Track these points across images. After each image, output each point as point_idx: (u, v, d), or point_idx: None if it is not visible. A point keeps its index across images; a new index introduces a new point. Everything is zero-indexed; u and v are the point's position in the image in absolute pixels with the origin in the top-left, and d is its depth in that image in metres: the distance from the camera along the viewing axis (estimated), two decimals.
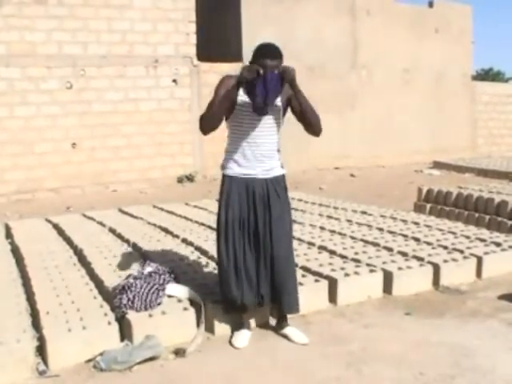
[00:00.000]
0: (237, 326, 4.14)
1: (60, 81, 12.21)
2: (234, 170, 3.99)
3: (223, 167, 4.07)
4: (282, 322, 4.19)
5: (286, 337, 4.11)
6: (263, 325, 4.31)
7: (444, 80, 18.23)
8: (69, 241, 6.55)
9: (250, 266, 3.96)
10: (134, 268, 4.99)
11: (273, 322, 4.30)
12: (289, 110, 4.07)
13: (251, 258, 3.97)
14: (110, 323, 3.93)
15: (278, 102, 3.94)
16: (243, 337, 4.06)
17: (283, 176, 4.11)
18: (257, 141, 3.96)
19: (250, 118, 3.91)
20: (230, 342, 4.04)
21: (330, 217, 7.35)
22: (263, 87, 3.73)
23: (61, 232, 7.07)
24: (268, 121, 3.96)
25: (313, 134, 4.10)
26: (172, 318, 4.05)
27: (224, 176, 4.05)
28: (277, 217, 3.96)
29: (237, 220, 3.94)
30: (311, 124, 4.00)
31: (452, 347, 3.89)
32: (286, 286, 4.02)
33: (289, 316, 4.21)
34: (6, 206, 10.92)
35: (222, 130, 4.08)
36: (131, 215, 8.07)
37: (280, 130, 4.08)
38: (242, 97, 3.88)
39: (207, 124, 3.88)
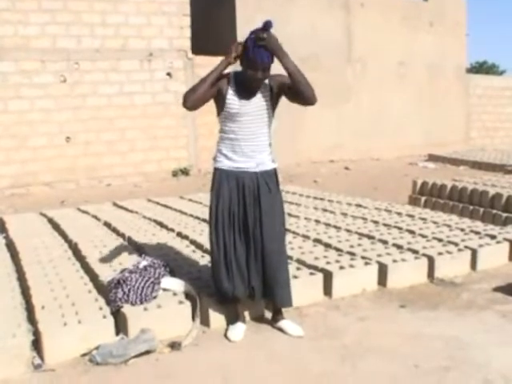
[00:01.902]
0: (232, 319, 4.15)
1: (54, 75, 12.17)
2: (224, 163, 3.99)
3: (214, 160, 4.08)
4: (277, 315, 4.19)
5: (281, 330, 4.12)
6: (258, 318, 4.31)
7: (438, 73, 18.24)
8: (63, 235, 6.54)
9: (240, 259, 3.97)
10: (130, 262, 4.99)
11: (268, 315, 4.30)
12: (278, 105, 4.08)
13: (242, 250, 3.97)
14: (105, 317, 3.93)
15: (265, 97, 3.95)
16: (238, 330, 4.06)
17: (275, 170, 4.10)
18: (247, 137, 3.95)
19: (240, 115, 3.90)
20: (226, 336, 4.05)
21: (324, 210, 7.35)
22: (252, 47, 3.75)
23: (55, 226, 7.06)
24: (258, 116, 3.95)
25: (308, 101, 3.94)
26: (167, 311, 4.05)
27: (215, 169, 4.06)
28: (267, 210, 3.95)
29: (227, 212, 3.95)
30: (302, 86, 3.84)
31: (447, 340, 3.90)
32: (277, 280, 4.02)
33: (284, 309, 4.22)
34: (0, 201, 10.89)
35: (217, 123, 4.08)
36: (126, 209, 8.06)
37: (271, 124, 4.07)
38: (231, 95, 3.89)
39: (191, 94, 3.83)
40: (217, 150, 4.08)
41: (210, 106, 4.03)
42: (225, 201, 3.95)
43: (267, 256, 3.97)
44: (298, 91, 3.86)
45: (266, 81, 3.95)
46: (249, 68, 3.80)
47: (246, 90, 3.90)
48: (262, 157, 4.02)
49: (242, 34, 4.17)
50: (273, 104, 4.02)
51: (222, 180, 3.98)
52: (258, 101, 3.93)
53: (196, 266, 5.01)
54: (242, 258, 3.98)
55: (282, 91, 3.98)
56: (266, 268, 3.98)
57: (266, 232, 3.95)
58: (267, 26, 3.74)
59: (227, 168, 3.98)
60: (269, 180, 4.02)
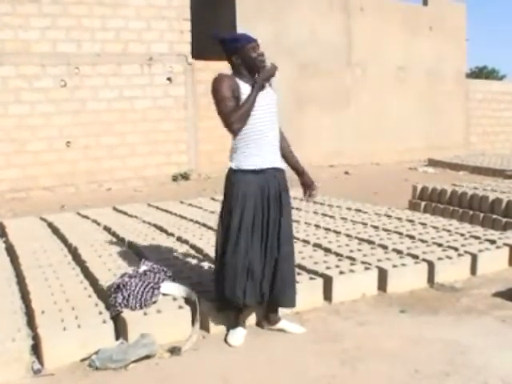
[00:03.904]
0: (232, 324, 4.14)
1: (54, 79, 12.18)
2: (248, 162, 3.90)
3: (235, 161, 3.95)
4: (275, 316, 4.20)
5: (282, 330, 4.13)
6: (258, 323, 4.31)
7: (438, 78, 18.28)
8: (63, 239, 6.53)
9: (257, 267, 3.93)
10: (129, 266, 4.99)
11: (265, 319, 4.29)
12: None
13: (259, 258, 3.94)
14: (105, 322, 3.93)
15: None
16: (239, 335, 4.06)
17: (284, 171, 4.12)
18: (267, 129, 3.94)
19: (258, 110, 3.88)
20: (226, 340, 4.04)
21: (324, 215, 7.35)
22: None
23: (55, 230, 7.06)
24: (272, 110, 3.97)
25: None
26: (167, 316, 4.05)
27: (236, 170, 3.93)
28: (284, 211, 3.99)
29: (250, 224, 3.90)
30: None
31: (446, 344, 3.90)
32: (288, 281, 4.04)
33: (284, 314, 4.23)
34: (0, 205, 10.88)
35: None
36: (126, 213, 8.06)
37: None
38: (244, 87, 3.87)
39: (241, 126, 3.84)
40: (237, 152, 3.96)
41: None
42: (250, 206, 3.89)
43: (282, 257, 3.98)
44: None
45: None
46: (250, 50, 3.88)
47: (251, 81, 3.92)
48: (278, 153, 4.05)
49: None
50: None
51: (247, 182, 3.90)
52: (269, 93, 3.96)
53: (196, 270, 5.01)
54: (259, 268, 3.94)
55: None
56: (279, 269, 3.97)
57: (283, 234, 3.97)
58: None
59: (252, 167, 3.90)
60: (283, 179, 4.05)
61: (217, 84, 3.86)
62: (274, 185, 3.97)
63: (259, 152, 3.92)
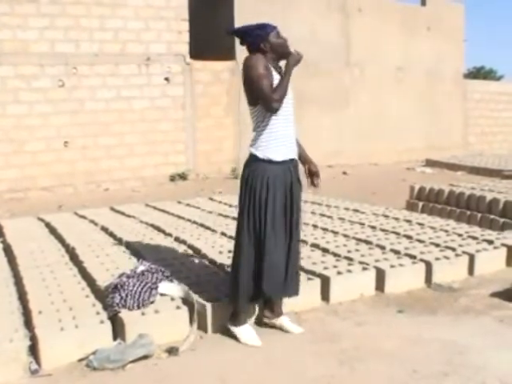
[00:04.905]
0: (236, 322, 4.06)
1: (52, 79, 12.17)
2: (276, 153, 3.85)
3: (262, 151, 3.86)
4: (279, 309, 4.20)
5: (280, 328, 4.14)
6: (257, 322, 4.30)
7: (436, 78, 18.29)
8: (61, 239, 6.53)
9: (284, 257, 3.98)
10: (127, 267, 4.98)
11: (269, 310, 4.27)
12: None
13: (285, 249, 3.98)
14: (102, 322, 3.92)
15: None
16: (251, 333, 4.02)
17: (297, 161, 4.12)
18: (291, 123, 3.94)
19: (287, 99, 3.85)
20: (243, 343, 3.97)
21: (322, 215, 7.35)
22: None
23: (53, 231, 7.05)
24: (292, 101, 3.95)
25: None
26: (165, 316, 4.05)
27: (264, 160, 3.84)
28: (298, 199, 4.03)
29: (282, 217, 3.91)
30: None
31: (444, 344, 3.90)
32: (297, 271, 4.13)
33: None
34: None
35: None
36: (123, 214, 8.05)
37: None
38: (275, 74, 3.85)
39: (280, 106, 3.76)
40: (264, 141, 3.87)
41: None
42: (280, 196, 3.87)
43: (293, 248, 4.03)
44: None
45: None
46: (277, 36, 3.87)
47: (277, 69, 3.90)
48: (295, 146, 4.03)
49: None
50: None
51: (276, 172, 3.85)
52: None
53: (194, 270, 5.00)
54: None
55: None
56: (292, 260, 4.00)
57: (296, 224, 4.03)
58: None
59: (281, 159, 3.87)
60: (296, 169, 4.06)
61: (253, 61, 3.78)
62: (292, 175, 3.96)
63: (284, 142, 3.89)
